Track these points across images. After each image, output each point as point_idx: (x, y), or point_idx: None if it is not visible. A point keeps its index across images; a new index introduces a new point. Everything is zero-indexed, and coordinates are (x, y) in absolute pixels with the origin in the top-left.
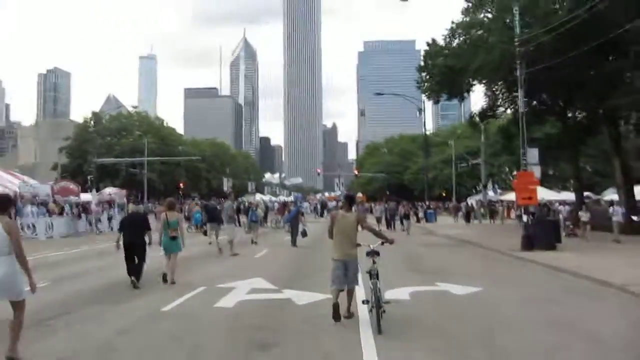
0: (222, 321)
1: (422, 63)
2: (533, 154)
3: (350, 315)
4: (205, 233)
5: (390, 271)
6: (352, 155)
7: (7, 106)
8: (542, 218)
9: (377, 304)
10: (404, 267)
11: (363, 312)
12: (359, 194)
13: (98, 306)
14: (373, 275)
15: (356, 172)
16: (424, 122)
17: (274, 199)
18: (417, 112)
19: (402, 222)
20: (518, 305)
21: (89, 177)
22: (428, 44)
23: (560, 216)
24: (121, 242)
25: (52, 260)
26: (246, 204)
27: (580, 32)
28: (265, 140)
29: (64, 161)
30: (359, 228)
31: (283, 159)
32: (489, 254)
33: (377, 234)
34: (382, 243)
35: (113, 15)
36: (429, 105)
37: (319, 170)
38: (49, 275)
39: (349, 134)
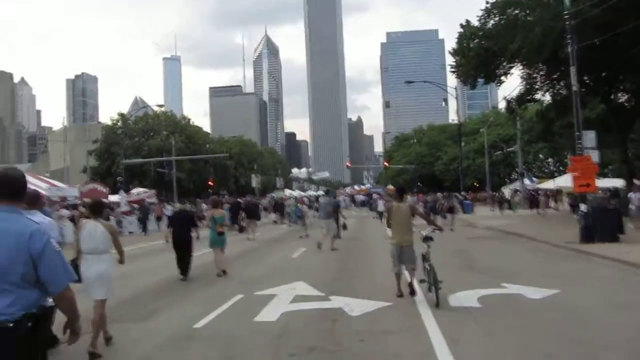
0: (265, 342)
1: (455, 45)
2: (590, 137)
3: (413, 292)
4: (241, 230)
5: (444, 271)
6: (378, 147)
7: (39, 112)
8: (602, 206)
9: (435, 282)
10: (457, 265)
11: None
12: (389, 186)
13: (122, 323)
14: (427, 257)
15: (385, 164)
16: (457, 109)
17: (303, 194)
18: (443, 102)
19: (444, 217)
20: (612, 312)
21: (118, 179)
22: (462, 26)
23: (632, 206)
24: (170, 239)
25: None
26: (279, 200)
27: (628, 6)
28: (290, 136)
29: (93, 164)
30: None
31: (309, 153)
32: (545, 248)
33: (429, 221)
34: (434, 230)
35: (136, 19)
36: (453, 95)
37: (348, 164)
38: None
39: (374, 127)
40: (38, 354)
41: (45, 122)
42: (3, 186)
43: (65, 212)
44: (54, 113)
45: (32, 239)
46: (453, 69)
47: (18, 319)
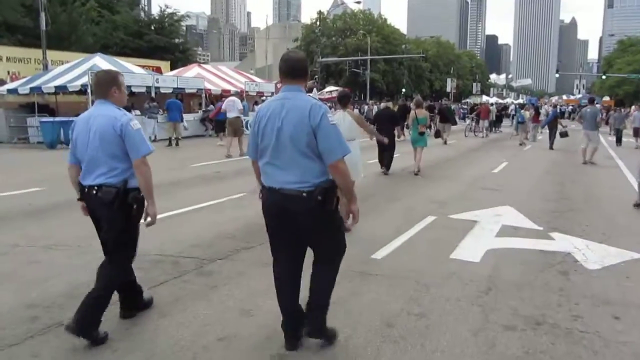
0: (466, 296)
1: None
2: None
3: None
4: (436, 135)
5: None
6: (593, 54)
7: (249, 14)
8: None
9: None
10: None
11: None
12: (606, 98)
13: None
14: None
15: (604, 72)
16: None
17: (500, 101)
18: None
19: None
20: None
21: (315, 77)
22: None
23: None
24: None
25: None
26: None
27: None
28: (491, 39)
29: None
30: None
31: (511, 59)
32: None
33: None
34: None
35: None
36: None
37: (557, 71)
38: (242, 187)
39: (590, 30)
40: (331, 224)
41: (254, 24)
42: (289, 67)
43: None
44: (262, 15)
45: (311, 113)
46: None
47: (310, 190)
